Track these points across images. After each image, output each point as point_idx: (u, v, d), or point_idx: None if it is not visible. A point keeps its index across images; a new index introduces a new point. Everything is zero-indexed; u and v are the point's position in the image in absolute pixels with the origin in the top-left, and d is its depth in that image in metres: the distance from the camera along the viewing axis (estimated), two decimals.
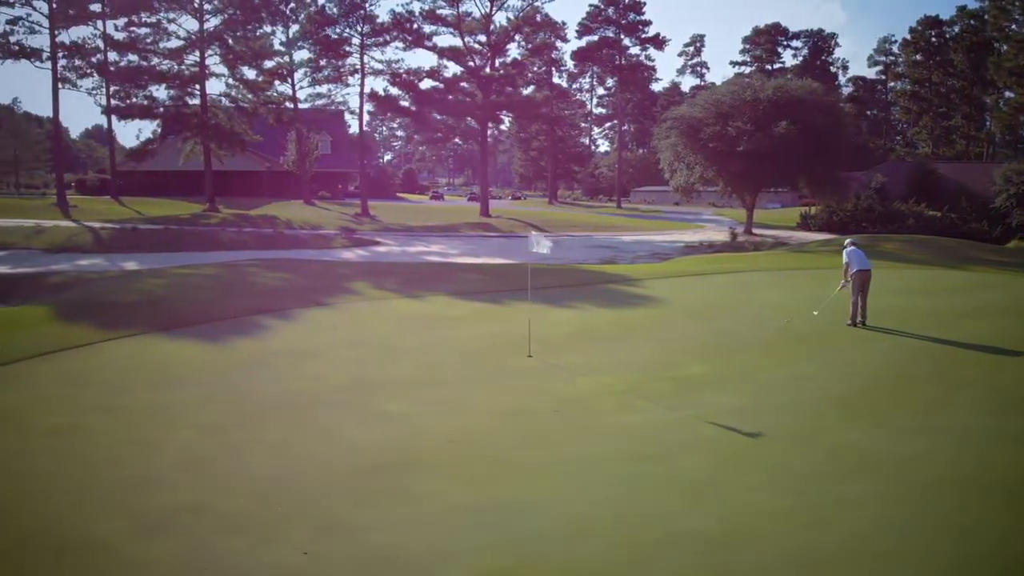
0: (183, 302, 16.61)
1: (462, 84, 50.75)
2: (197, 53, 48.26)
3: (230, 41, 48.33)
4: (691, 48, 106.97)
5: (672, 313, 16.30)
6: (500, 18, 50.11)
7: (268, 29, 54.78)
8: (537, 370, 12.00)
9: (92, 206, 50.83)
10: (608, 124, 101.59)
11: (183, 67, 48.50)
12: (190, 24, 49.14)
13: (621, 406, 10.27)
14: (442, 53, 49.90)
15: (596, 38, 72.97)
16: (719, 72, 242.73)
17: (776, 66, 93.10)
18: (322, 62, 54.81)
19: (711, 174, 42.81)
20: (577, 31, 73.51)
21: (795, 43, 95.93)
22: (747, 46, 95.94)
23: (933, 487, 7.60)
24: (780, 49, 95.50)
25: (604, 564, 6.22)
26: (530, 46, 51.58)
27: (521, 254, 32.71)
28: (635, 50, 77.51)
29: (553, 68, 74.90)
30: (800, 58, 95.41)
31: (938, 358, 12.35)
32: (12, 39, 44.94)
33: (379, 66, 51.83)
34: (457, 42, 49.32)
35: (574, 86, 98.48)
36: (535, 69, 75.17)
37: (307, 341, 13.81)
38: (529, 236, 13.47)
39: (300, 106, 57.17)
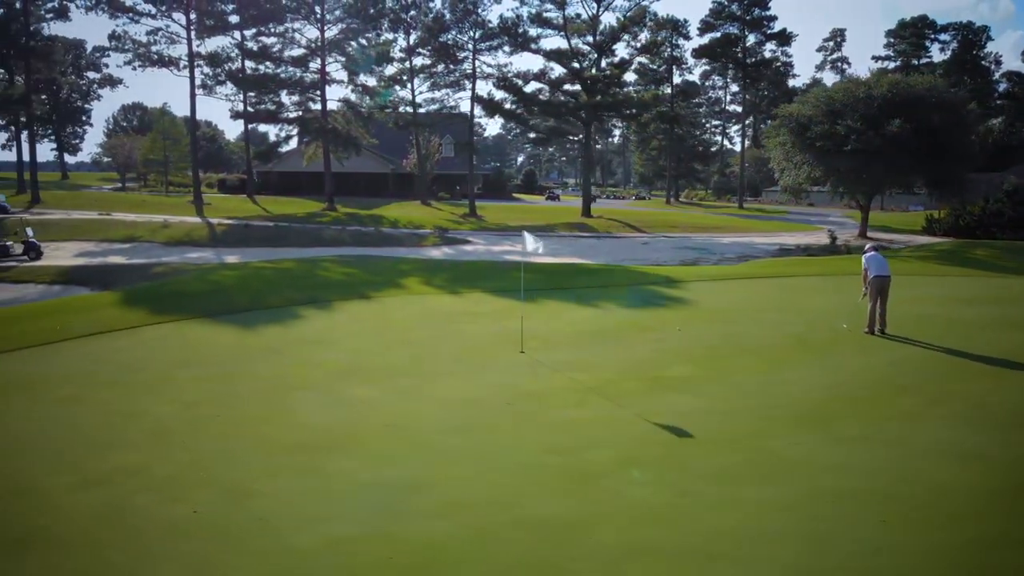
0: (240, 292, 18.09)
1: (566, 86, 51.16)
2: (319, 60, 51.17)
3: (349, 49, 50.95)
4: (831, 43, 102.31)
5: (690, 315, 16.15)
6: (607, 19, 50.09)
7: (390, 36, 57.39)
8: (520, 365, 12.36)
9: (225, 204, 54.98)
10: (747, 122, 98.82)
11: (306, 74, 51.60)
12: (312, 33, 51.97)
13: (575, 402, 10.49)
14: (547, 55, 50.51)
15: (719, 35, 71.25)
16: (861, 68, 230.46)
17: (923, 61, 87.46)
18: (439, 67, 56.90)
19: (818, 174, 41.11)
20: (699, 28, 72.11)
21: (943, 36, 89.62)
22: (891, 40, 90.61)
23: (827, 496, 7.41)
24: (927, 43, 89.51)
25: (442, 540, 6.57)
26: (638, 45, 51.26)
27: (600, 254, 32.89)
28: (769, 46, 75.34)
29: (674, 66, 73.81)
30: (948, 52, 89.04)
31: (938, 369, 11.73)
32: (153, 49, 49.38)
33: (489, 70, 53.11)
34: (563, 44, 49.83)
35: (706, 83, 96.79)
36: (654, 68, 74.54)
37: (327, 330, 14.80)
38: (523, 235, 13.83)
39: (424, 109, 59.37)
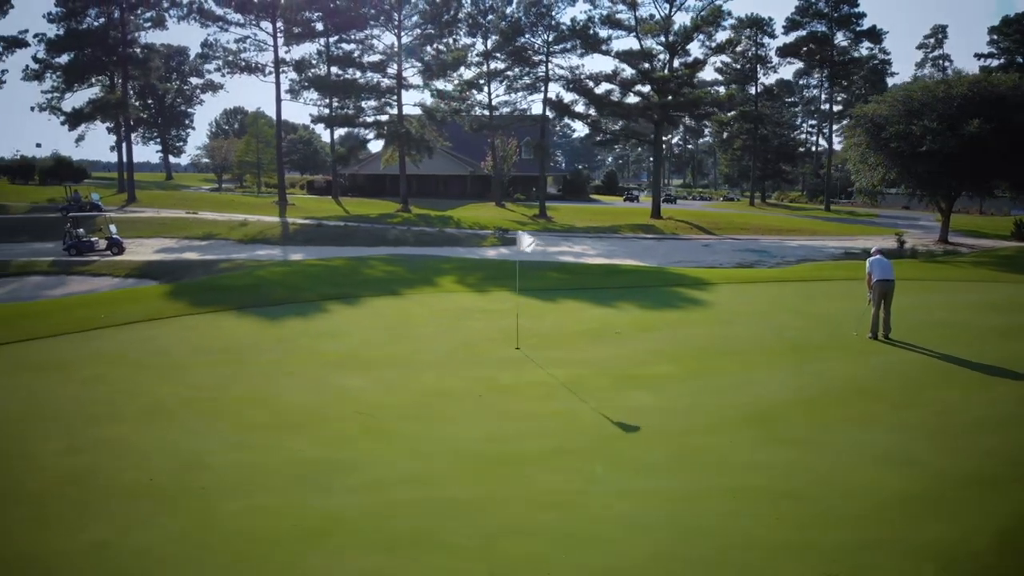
0: (278, 287, 19.25)
1: (638, 87, 51.08)
2: (395, 66, 52.84)
3: (425, 56, 52.40)
4: (931, 40, 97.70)
5: (699, 317, 16.26)
6: (680, 19, 49.75)
7: (468, 41, 58.61)
8: (509, 360, 12.84)
9: (308, 204, 57.39)
10: (841, 123, 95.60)
11: (383, 79, 53.36)
12: (389, 39, 53.68)
13: (541, 396, 10.92)
14: (618, 56, 50.58)
15: (805, 33, 69.30)
16: (964, 66, 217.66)
17: None
18: (516, 70, 57.78)
19: (893, 176, 39.71)
20: (784, 26, 70.33)
21: None
22: (994, 37, 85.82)
23: (733, 492, 7.57)
24: None
25: (347, 512, 7.16)
26: (713, 45, 50.62)
27: (654, 256, 32.86)
28: (866, 44, 72.62)
29: (758, 65, 72.28)
30: None
31: (921, 376, 11.58)
32: (242, 56, 52.09)
33: (562, 72, 53.59)
34: (634, 45, 49.75)
35: (800, 82, 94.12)
36: (737, 67, 73.19)
37: (342, 324, 15.68)
38: (518, 235, 14.29)
39: (499, 112, 60.31)
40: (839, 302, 17.36)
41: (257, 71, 52.55)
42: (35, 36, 58.70)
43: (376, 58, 53.18)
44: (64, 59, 54.29)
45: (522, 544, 6.59)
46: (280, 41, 52.77)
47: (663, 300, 18.28)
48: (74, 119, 52.69)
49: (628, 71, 50.47)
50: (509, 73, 58.04)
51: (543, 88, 54.65)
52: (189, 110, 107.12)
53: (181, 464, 8.42)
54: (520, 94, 57.63)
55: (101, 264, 28.96)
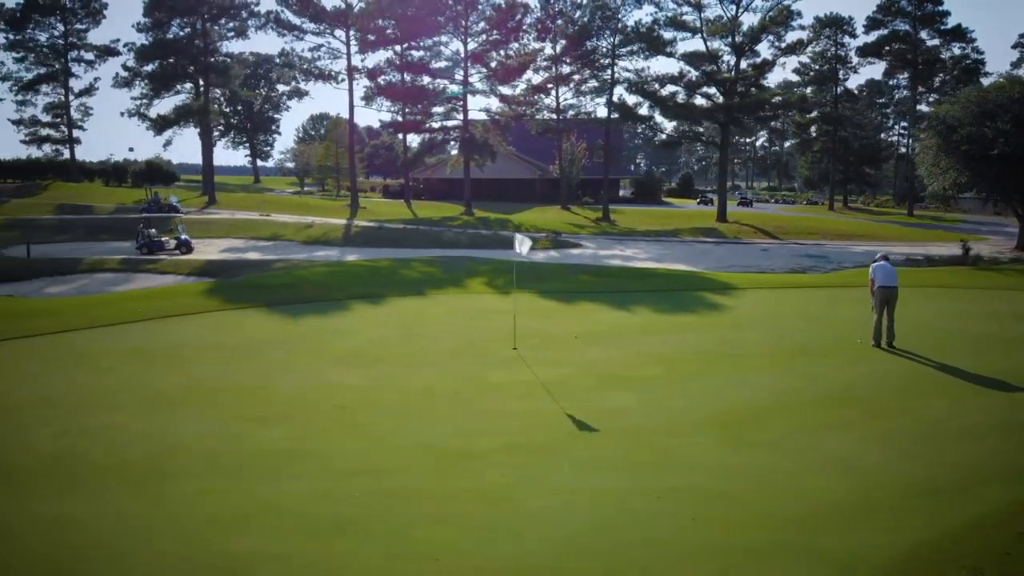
0: (312, 286, 20.03)
1: (703, 88, 50.39)
2: (461, 71, 53.72)
3: (491, 62, 53.11)
4: None
5: (709, 321, 16.14)
6: (747, 20, 48.82)
7: (537, 46, 59.00)
8: (504, 360, 13.09)
9: (379, 207, 58.84)
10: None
11: (450, 84, 54.40)
12: (455, 45, 54.61)
13: (520, 395, 11.13)
14: (683, 58, 50.08)
15: (886, 32, 66.83)
16: None
17: None
18: (583, 73, 57.91)
19: (964, 180, 38.02)
20: (865, 26, 67.93)
21: None
22: None
23: (661, 491, 7.66)
24: None
25: (285, 498, 7.56)
26: (783, 46, 49.47)
27: (704, 260, 32.45)
28: (958, 44, 69.49)
29: (838, 65, 70.09)
30: None
31: (912, 385, 11.28)
32: (317, 64, 53.90)
33: (628, 74, 53.39)
34: (699, 46, 49.11)
35: (890, 82, 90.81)
36: (816, 67, 71.23)
37: (357, 322, 16.24)
38: (516, 238, 14.52)
39: (565, 115, 60.48)
40: (861, 309, 16.89)
41: (331, 78, 54.24)
42: (125, 45, 62.42)
43: (443, 64, 54.19)
44: (152, 67, 57.29)
45: (435, 532, 6.86)
46: (353, 49, 54.39)
47: (681, 304, 18.18)
48: (159, 125, 55.64)
49: (693, 73, 49.89)
50: (576, 76, 58.14)
51: (609, 91, 54.54)
52: (276, 116, 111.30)
53: (160, 449, 9.01)
54: (587, 97, 57.61)
55: (167, 263, 30.50)
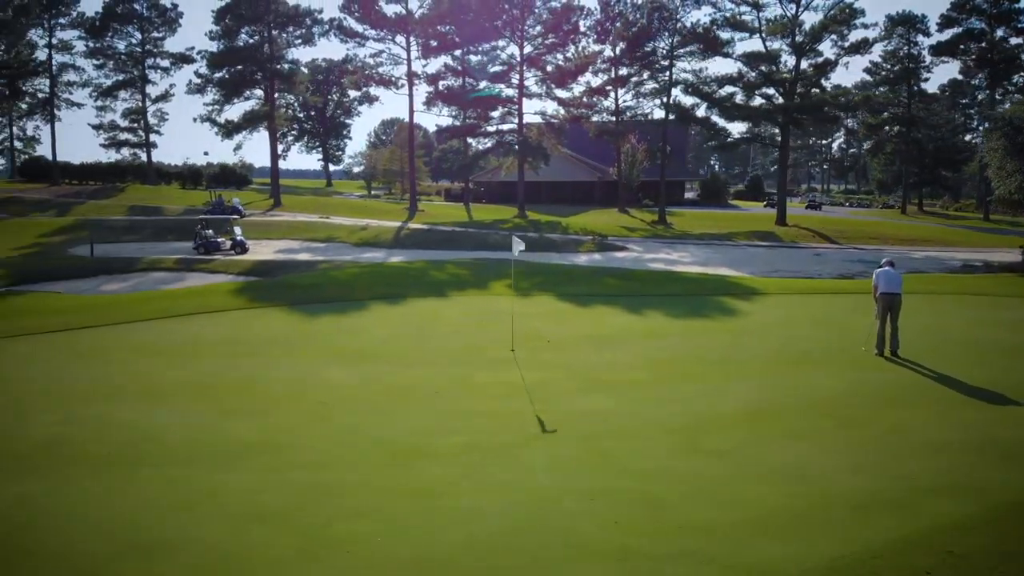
0: (338, 287, 20.61)
1: (764, 89, 49.34)
2: (517, 75, 53.98)
3: (548, 65, 53.25)
4: None
5: (717, 326, 15.94)
6: (809, 19, 47.61)
7: (597, 48, 58.86)
8: (497, 361, 13.24)
9: (437, 210, 59.66)
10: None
11: (505, 88, 54.73)
12: (511, 49, 54.89)
13: (499, 395, 11.24)
14: (741, 59, 49.22)
15: (960, 30, 64.06)
16: None
17: None
18: (643, 75, 57.55)
19: None
20: (938, 24, 65.33)
21: None
22: None
23: (593, 494, 7.69)
24: None
25: (231, 486, 7.92)
26: (846, 45, 48.00)
27: (750, 265, 31.84)
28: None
29: (911, 64, 67.47)
30: None
31: (899, 395, 10.94)
32: (379, 70, 55.01)
33: (686, 75, 52.77)
34: (757, 46, 48.18)
35: (973, 81, 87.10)
36: (888, 67, 68.87)
37: (372, 322, 16.64)
38: (512, 239, 14.65)
39: (625, 117, 60.18)
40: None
41: (391, 84, 55.31)
42: (198, 53, 64.90)
43: (499, 68, 54.57)
44: (222, 74, 59.43)
45: (357, 525, 7.06)
46: (413, 54, 55.34)
47: (696, 308, 17.97)
48: (227, 130, 57.68)
49: (751, 73, 48.94)
50: (635, 78, 57.80)
51: (667, 93, 54.04)
52: (347, 121, 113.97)
53: (138, 438, 9.51)
54: (645, 99, 57.21)
55: (219, 263, 31.68)
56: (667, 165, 74.45)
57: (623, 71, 57.68)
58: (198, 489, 7.91)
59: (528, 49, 53.35)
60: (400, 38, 55.62)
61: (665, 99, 53.92)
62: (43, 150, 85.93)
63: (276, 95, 61.98)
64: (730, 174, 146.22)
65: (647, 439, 9.39)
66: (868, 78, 72.67)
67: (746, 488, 7.90)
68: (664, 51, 54.15)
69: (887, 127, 69.60)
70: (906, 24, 65.25)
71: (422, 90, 57.84)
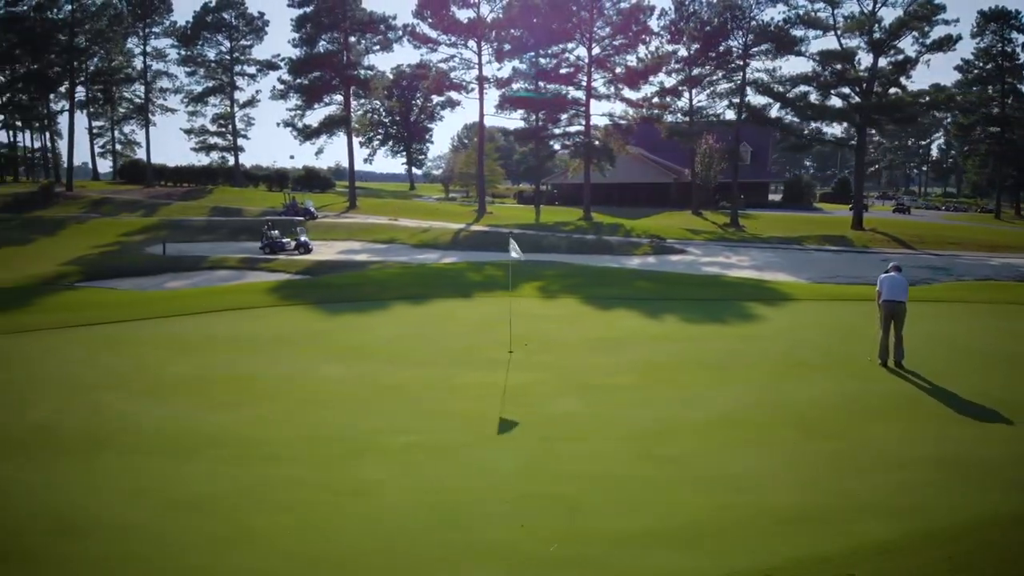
0: (370, 287, 21.11)
1: (840, 88, 47.54)
2: (584, 77, 53.78)
3: (617, 68, 52.90)
4: None
5: (728, 331, 15.54)
6: (888, 15, 45.56)
7: (670, 48, 58.06)
8: (486, 362, 13.25)
9: (505, 212, 60.09)
10: None
11: (573, 90, 54.57)
12: (580, 51, 54.61)
13: (473, 398, 11.21)
14: (815, 57, 47.58)
15: None
16: None
17: None
18: (717, 75, 56.45)
19: None
20: None
21: None
22: None
23: (525, 498, 7.70)
24: None
25: (187, 472, 8.31)
26: (927, 42, 45.68)
27: (815, 271, 30.82)
28: None
29: (1005, 62, 63.71)
30: None
31: (883, 407, 10.42)
32: (450, 75, 55.74)
33: (758, 75, 51.44)
34: (832, 44, 46.40)
35: None
36: (981, 65, 65.28)
37: (388, 321, 16.98)
38: (510, 242, 14.64)
39: (696, 118, 59.16)
40: (914, 325, 15.64)
41: (462, 88, 56.00)
42: (282, 59, 67.30)
43: (567, 71, 54.47)
44: (304, 81, 61.43)
45: (280, 518, 7.21)
46: (484, 59, 55.88)
47: (715, 313, 17.53)
48: (304, 134, 59.66)
49: (826, 72, 47.26)
50: (710, 78, 56.74)
51: (740, 92, 52.81)
52: (430, 125, 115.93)
53: (118, 427, 10.01)
54: (719, 99, 56.07)
55: (280, 262, 32.82)
56: (744, 166, 72.90)
57: (696, 71, 56.69)
58: (148, 476, 8.30)
59: (596, 51, 53.08)
60: (471, 43, 56.28)
61: (738, 99, 52.69)
62: (142, 153, 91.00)
63: (355, 100, 63.77)
64: (818, 176, 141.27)
65: (602, 443, 9.28)
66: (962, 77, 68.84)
67: (677, 496, 7.73)
68: (738, 50, 52.93)
69: (979, 128, 65.92)
70: (999, 20, 61.71)
71: (494, 94, 58.33)
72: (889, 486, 7.80)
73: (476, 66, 56.26)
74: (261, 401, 11.17)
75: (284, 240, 36.70)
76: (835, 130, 57.34)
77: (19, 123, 78.41)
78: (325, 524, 7.15)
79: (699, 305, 18.46)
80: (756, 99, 53.27)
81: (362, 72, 61.23)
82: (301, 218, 44.11)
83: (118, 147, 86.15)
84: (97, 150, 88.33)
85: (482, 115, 58.47)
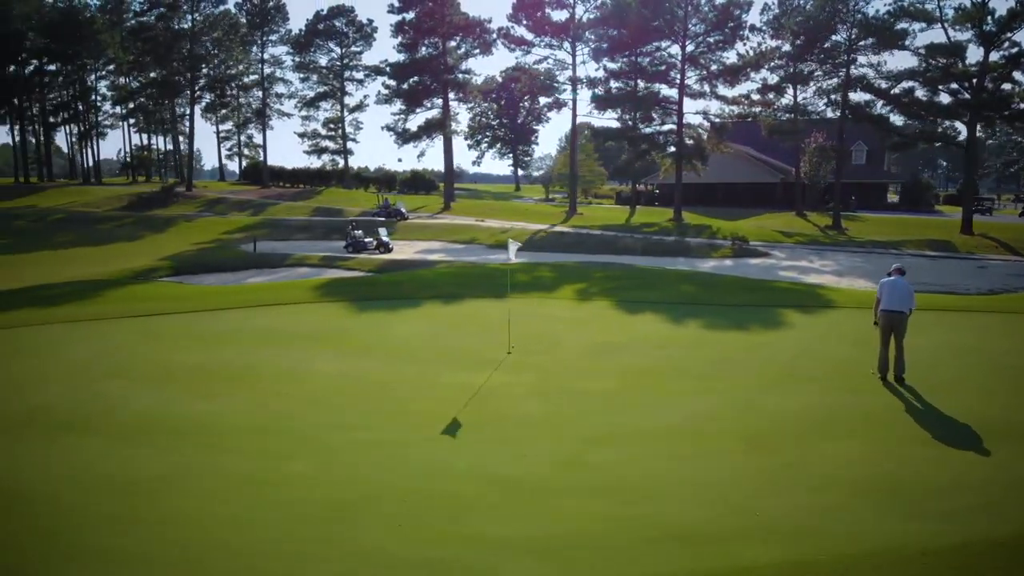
0: (410, 286, 21.55)
1: (949, 84, 44.37)
2: (677, 75, 52.64)
3: (712, 65, 51.52)
4: None
5: (740, 340, 14.89)
6: (999, 5, 42.05)
7: (772, 43, 56.04)
8: (477, 363, 13.25)
9: (596, 213, 59.60)
10: None
11: (667, 89, 53.63)
12: (673, 49, 53.45)
13: (442, 398, 11.22)
14: (920, 52, 44.55)
15: None
16: None
17: None
18: (822, 70, 54.09)
19: None
20: None
21: None
22: None
23: (399, 497, 7.78)
24: None
25: (141, 455, 8.81)
26: None
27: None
28: None
29: None
30: None
31: (844, 422, 9.82)
32: (542, 77, 55.91)
33: (863, 71, 48.85)
34: (939, 37, 43.36)
35: None
36: None
37: (410, 319, 17.29)
38: (508, 242, 14.56)
39: (797, 116, 56.84)
40: (928, 336, 14.52)
41: (555, 89, 56.07)
42: (388, 65, 69.29)
43: (660, 68, 53.52)
44: (406, 85, 63.14)
45: (180, 502, 7.63)
46: (579, 59, 55.84)
47: (740, 319, 16.81)
48: (403, 138, 61.25)
49: (933, 67, 44.27)
50: (815, 74, 54.41)
51: (842, 89, 50.33)
52: (536, 127, 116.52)
53: (105, 411, 10.70)
54: (822, 96, 53.62)
55: (357, 261, 33.91)
56: (859, 167, 69.44)
57: (799, 68, 54.40)
58: (96, 458, 8.86)
59: (690, 48, 51.85)
60: (566, 44, 56.25)
61: (841, 95, 50.18)
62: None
63: (455, 103, 65.07)
64: (953, 176, 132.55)
65: (537, 447, 9.19)
66: None
67: (574, 504, 7.58)
68: (843, 45, 50.41)
69: None
70: None
71: (588, 94, 58.03)
72: (800, 508, 7.36)
73: (570, 67, 56.31)
74: (241, 392, 11.64)
75: (366, 240, 37.92)
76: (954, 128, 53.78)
77: (151, 127, 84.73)
78: (224, 512, 7.44)
79: (729, 311, 17.79)
80: (859, 96, 50.63)
81: (460, 76, 62.21)
82: (382, 219, 45.39)
83: (245, 151, 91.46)
84: (225, 153, 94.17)
85: (575, 116, 58.45)
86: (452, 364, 13.31)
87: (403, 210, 51.71)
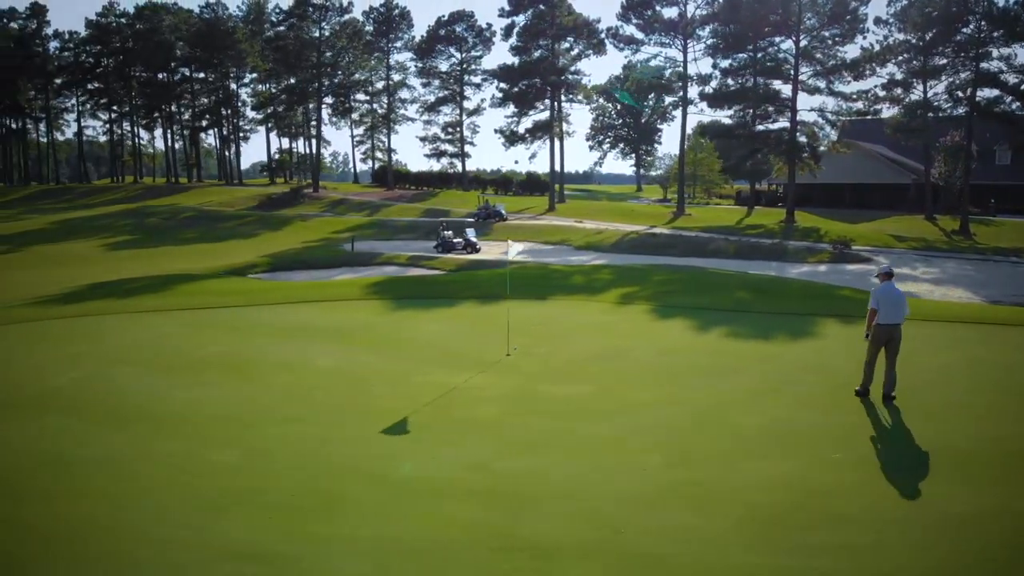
0: (458, 285, 21.84)
1: None
2: (791, 71, 50.30)
3: (829, 61, 48.99)
4: None
5: (756, 350, 14.11)
6: None
7: (898, 37, 52.62)
8: (470, 363, 13.33)
9: (706, 214, 57.93)
10: None
11: (780, 85, 51.39)
12: (786, 44, 51.08)
13: (412, 397, 11.37)
14: None
15: None
16: None
17: None
18: (953, 65, 50.27)
19: None
20: None
21: None
22: None
23: (330, 499, 7.99)
24: None
25: (121, 444, 9.46)
26: None
27: (1000, 287, 26.71)
28: None
29: None
30: None
31: (796, 442, 9.15)
32: (666, 74, 55.08)
33: (997, 64, 44.92)
34: None
35: None
36: None
37: (438, 319, 17.61)
38: (508, 243, 14.47)
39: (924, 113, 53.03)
40: (950, 353, 13.24)
41: (666, 88, 54.98)
42: (500, 68, 70.26)
43: (771, 64, 51.37)
44: (518, 88, 63.82)
45: (115, 486, 8.12)
46: (690, 56, 54.51)
47: (769, 329, 15.87)
48: (511, 140, 61.93)
49: None
50: (944, 69, 50.55)
51: (970, 84, 46.51)
52: (659, 127, 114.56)
53: (103, 396, 11.55)
54: (953, 92, 49.62)
55: (441, 260, 34.62)
56: (1003, 167, 63.74)
57: (929, 62, 50.67)
58: (69, 438, 9.60)
59: (804, 42, 49.46)
60: (677, 41, 55.12)
61: (971, 91, 46.36)
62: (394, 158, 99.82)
63: (566, 104, 65.15)
64: None
65: (458, 451, 9.15)
66: None
67: (447, 508, 7.56)
68: (974, 36, 46.55)
69: None
70: None
71: (698, 91, 56.49)
72: (665, 529, 7.07)
73: (681, 64, 55.10)
74: (230, 383, 12.25)
75: (455, 240, 38.70)
76: None
77: (289, 131, 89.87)
78: (120, 491, 7.93)
79: (767, 319, 16.93)
80: (985, 92, 46.59)
81: (570, 77, 62.18)
82: (474, 220, 46.11)
83: (377, 154, 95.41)
84: (359, 156, 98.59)
85: (685, 114, 57.07)
86: (443, 364, 13.43)
87: (502, 211, 52.29)
